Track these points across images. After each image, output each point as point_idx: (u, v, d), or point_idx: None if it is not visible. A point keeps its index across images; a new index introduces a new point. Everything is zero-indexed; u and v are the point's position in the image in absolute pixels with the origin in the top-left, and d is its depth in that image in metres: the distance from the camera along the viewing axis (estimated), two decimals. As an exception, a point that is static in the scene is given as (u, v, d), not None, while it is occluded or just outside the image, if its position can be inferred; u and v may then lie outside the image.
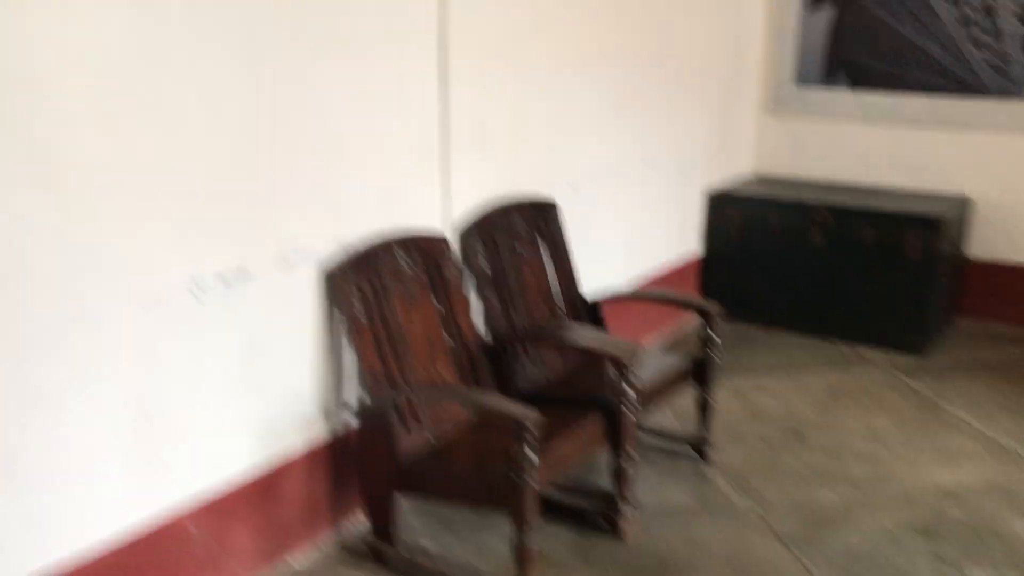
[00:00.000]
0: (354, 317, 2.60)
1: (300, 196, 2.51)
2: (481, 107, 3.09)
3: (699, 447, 3.26)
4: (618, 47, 3.75)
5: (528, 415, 2.31)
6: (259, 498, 2.53)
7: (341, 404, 2.71)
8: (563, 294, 3.33)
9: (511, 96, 3.23)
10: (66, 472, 2.07)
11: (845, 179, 4.77)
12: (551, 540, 2.74)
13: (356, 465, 2.70)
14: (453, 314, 2.87)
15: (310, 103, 2.49)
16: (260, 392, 2.49)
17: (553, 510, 2.85)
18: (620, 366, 2.69)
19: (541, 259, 3.30)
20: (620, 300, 3.47)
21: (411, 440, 2.59)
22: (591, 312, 3.36)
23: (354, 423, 2.69)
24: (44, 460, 2.02)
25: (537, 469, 2.34)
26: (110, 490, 2.17)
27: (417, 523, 2.83)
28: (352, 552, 2.71)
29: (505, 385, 2.95)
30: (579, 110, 3.61)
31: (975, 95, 4.39)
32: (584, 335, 3.11)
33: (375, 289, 2.67)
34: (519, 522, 2.37)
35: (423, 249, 2.83)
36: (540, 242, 3.31)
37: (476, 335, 2.94)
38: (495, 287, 3.08)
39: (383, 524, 2.62)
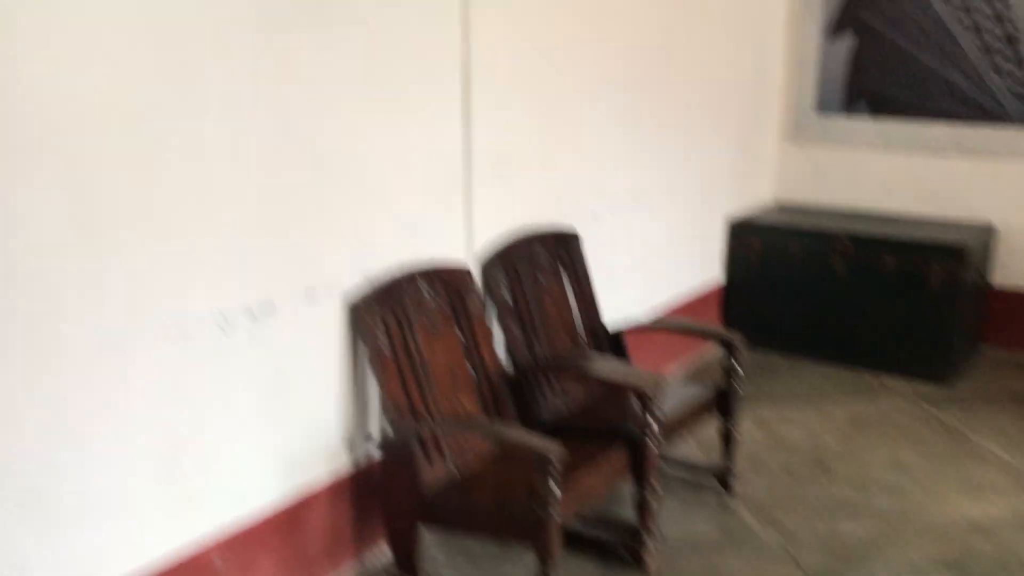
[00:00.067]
0: (378, 349, 2.61)
1: (325, 229, 2.54)
2: (503, 139, 3.11)
3: (723, 478, 3.24)
4: (639, 78, 3.78)
5: (551, 448, 2.31)
6: (283, 529, 2.54)
7: (365, 436, 2.72)
8: (585, 324, 3.34)
9: (533, 128, 3.26)
10: (93, 505, 2.08)
11: (867, 207, 4.76)
12: (574, 573, 2.73)
13: (379, 497, 2.70)
14: (476, 345, 2.88)
15: (335, 137, 2.53)
16: (285, 424, 2.51)
17: (576, 542, 2.84)
18: (644, 398, 2.69)
19: (563, 289, 3.30)
20: (642, 330, 3.46)
21: (434, 472, 2.59)
22: (613, 342, 3.36)
23: (377, 455, 2.69)
24: (72, 494, 2.04)
25: (560, 502, 2.34)
26: (137, 523, 2.18)
27: (440, 555, 2.83)
28: (375, 584, 2.71)
29: (527, 416, 2.95)
30: (601, 140, 3.63)
31: (998, 123, 4.38)
32: (607, 366, 3.11)
33: (399, 321, 2.68)
34: (542, 555, 2.36)
35: (446, 280, 2.85)
36: (562, 272, 3.32)
37: (498, 366, 2.95)
38: (517, 317, 3.08)
39: (406, 556, 2.61)
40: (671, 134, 4.05)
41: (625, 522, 2.97)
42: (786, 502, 3.16)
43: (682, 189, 4.20)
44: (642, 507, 2.75)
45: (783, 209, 4.86)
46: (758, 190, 4.88)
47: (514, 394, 2.95)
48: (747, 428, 3.59)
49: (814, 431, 3.71)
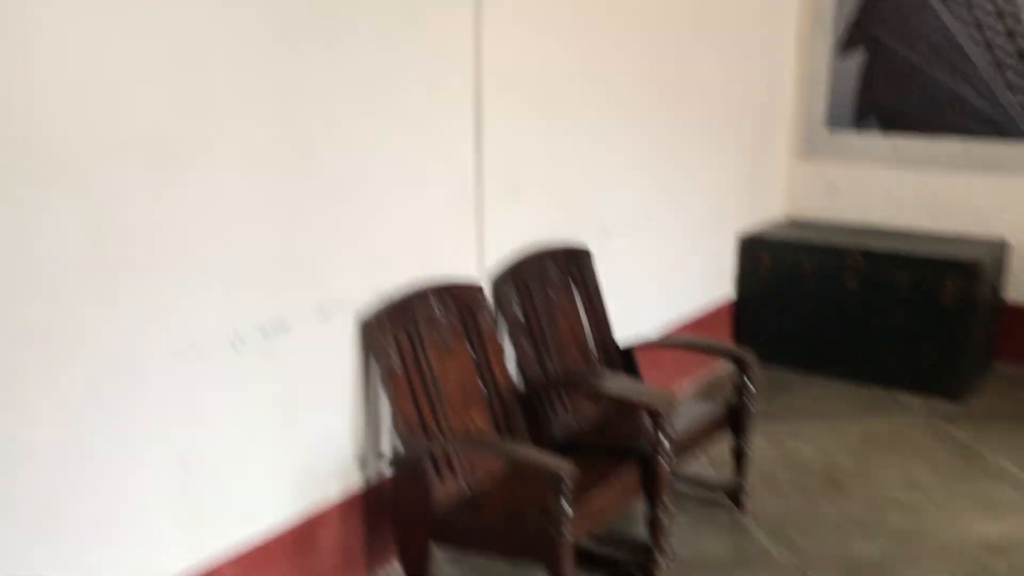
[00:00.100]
0: (390, 366, 2.61)
1: (338, 247, 2.55)
2: (515, 156, 3.12)
3: (735, 496, 3.22)
4: (650, 94, 3.78)
5: (563, 467, 2.30)
6: (296, 547, 2.54)
7: (376, 453, 2.72)
8: (596, 340, 3.33)
9: (544, 145, 3.27)
10: (107, 523, 2.09)
11: (878, 222, 4.75)
12: (586, 591, 2.72)
13: (391, 514, 2.70)
14: (487, 362, 2.88)
15: (348, 156, 2.54)
16: (297, 441, 2.51)
17: (588, 561, 2.83)
18: (655, 416, 2.68)
19: (575, 305, 3.30)
20: (653, 347, 3.46)
21: (445, 489, 2.59)
22: (625, 359, 3.35)
23: (389, 472, 2.69)
24: (86, 511, 2.05)
25: (572, 521, 2.33)
26: (150, 540, 2.19)
27: (452, 573, 2.82)
28: (386, 602, 2.71)
29: (538, 432, 2.95)
30: (612, 156, 3.63)
31: (1010, 138, 4.37)
32: (618, 383, 3.10)
33: (411, 338, 2.69)
34: (554, 574, 2.35)
35: (458, 297, 2.85)
36: (573, 288, 3.32)
37: (510, 382, 2.95)
38: (529, 334, 3.09)
39: (418, 573, 2.61)
40: (682, 150, 4.06)
41: (636, 540, 2.96)
42: (799, 520, 3.14)
43: (693, 205, 4.20)
44: (654, 525, 2.74)
45: (794, 225, 4.85)
46: (769, 206, 4.87)
47: (525, 411, 2.95)
48: (759, 445, 3.58)
49: (827, 448, 3.69)
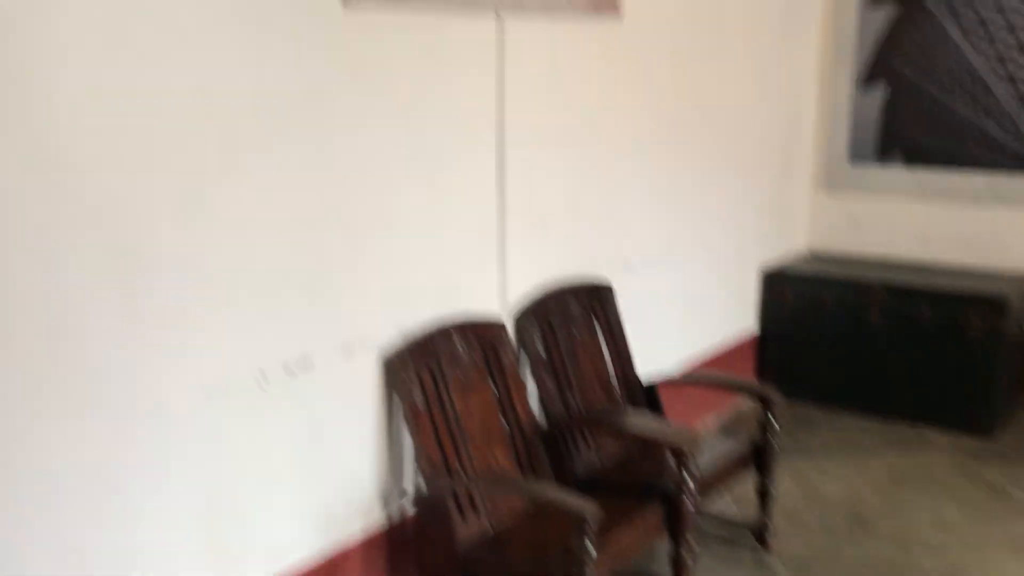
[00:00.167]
0: (413, 404, 2.62)
1: (362, 284, 2.57)
2: (537, 193, 3.14)
3: (759, 534, 3.19)
4: (671, 129, 3.80)
5: (588, 508, 2.29)
6: (317, 586, 2.54)
7: (399, 491, 2.72)
8: (619, 377, 3.33)
9: (566, 182, 3.28)
10: (133, 561, 2.10)
11: (902, 256, 4.72)
12: (609, 632, 2.69)
13: (413, 552, 2.69)
14: (510, 399, 2.88)
15: (372, 194, 2.56)
16: (321, 479, 2.52)
17: (611, 600, 2.81)
18: (679, 454, 2.67)
19: (597, 342, 3.30)
20: (676, 384, 3.45)
21: (468, 528, 2.58)
22: (648, 395, 3.34)
23: (412, 510, 2.69)
24: (113, 549, 2.06)
25: (596, 561, 2.32)
26: (174, 579, 2.20)
27: (473, 612, 2.80)
28: (408, 641, 2.69)
29: (561, 470, 2.94)
30: (633, 192, 3.65)
31: (1035, 172, 4.35)
32: (641, 421, 3.09)
33: (433, 375, 2.70)
34: (578, 615, 2.33)
35: (480, 334, 2.86)
36: (596, 325, 3.32)
37: (532, 420, 2.94)
38: (551, 370, 3.08)
39: (440, 613, 2.60)
40: (703, 184, 4.06)
41: (661, 579, 2.94)
42: (824, 560, 3.10)
43: (715, 239, 4.20)
44: (677, 564, 2.72)
45: (817, 258, 4.83)
46: (792, 240, 4.86)
47: (548, 448, 2.94)
48: (784, 482, 3.54)
49: (852, 485, 3.65)
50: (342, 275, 2.51)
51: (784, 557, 3.12)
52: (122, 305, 2.02)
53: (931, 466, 3.82)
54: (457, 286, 2.87)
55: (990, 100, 4.40)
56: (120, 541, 2.07)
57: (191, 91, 2.10)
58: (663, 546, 2.82)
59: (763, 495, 3.16)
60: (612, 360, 3.32)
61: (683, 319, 4.03)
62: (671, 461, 2.73)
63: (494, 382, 2.86)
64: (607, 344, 3.33)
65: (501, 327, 2.93)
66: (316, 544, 2.52)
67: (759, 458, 3.14)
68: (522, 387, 2.94)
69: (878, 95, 4.69)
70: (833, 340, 4.42)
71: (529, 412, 2.94)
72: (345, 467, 2.58)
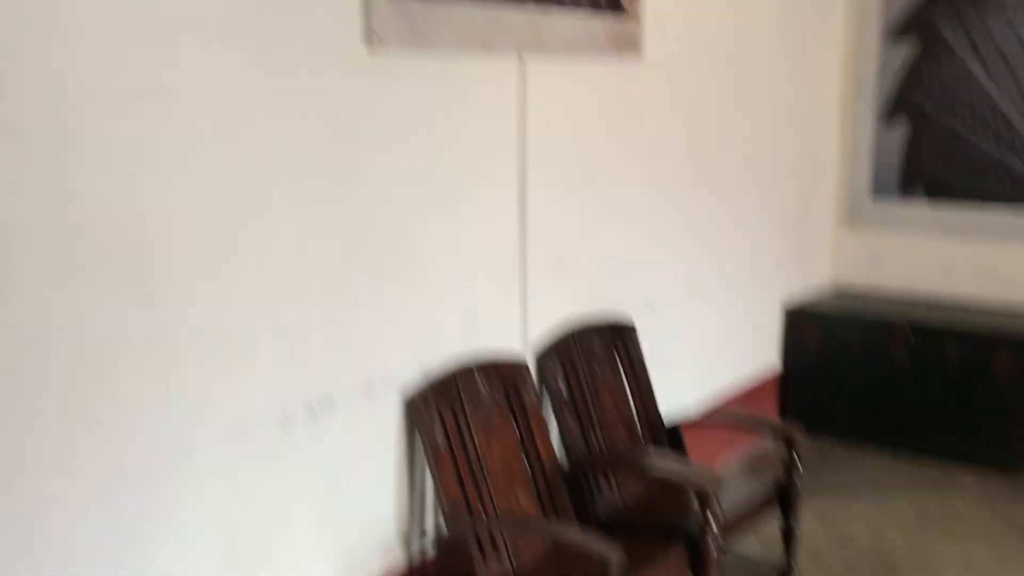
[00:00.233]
0: (435, 444, 2.62)
1: (384, 323, 2.58)
2: (558, 232, 3.15)
3: (784, 575, 3.16)
4: (693, 166, 3.81)
5: (611, 552, 2.28)
6: (338, 628, 2.53)
7: (420, 532, 2.71)
8: (641, 416, 3.31)
9: (587, 220, 3.29)
10: (155, 604, 2.11)
11: (926, 292, 4.69)
12: (633, 677, 2.65)
13: (434, 594, 2.68)
14: (532, 439, 2.87)
15: (394, 233, 2.58)
16: (342, 520, 2.52)
17: (634, 644, 2.77)
18: (703, 496, 2.64)
19: (620, 380, 3.29)
20: (700, 424, 3.43)
21: (489, 570, 2.57)
22: (671, 435, 3.32)
23: (433, 551, 2.68)
24: (135, 592, 2.06)
25: (619, 606, 2.30)
26: (196, 621, 2.20)
27: (495, 654, 2.78)
28: None
29: (583, 511, 2.92)
30: (654, 229, 3.65)
31: (1059, 208, 4.32)
32: (664, 462, 3.07)
33: (455, 416, 2.70)
34: (601, 661, 2.31)
35: (502, 374, 2.86)
36: (618, 363, 3.31)
37: (554, 460, 2.93)
38: (573, 410, 3.07)
39: (461, 656, 2.58)
40: (725, 221, 4.06)
41: (684, 623, 2.89)
42: (851, 603, 3.06)
43: (737, 276, 4.19)
44: (702, 608, 2.69)
45: (840, 295, 4.81)
46: (814, 276, 4.84)
47: (570, 488, 2.93)
48: (807, 521, 3.50)
49: (878, 526, 3.60)
50: (365, 316, 2.53)
51: (809, 600, 3.09)
52: (146, 348, 2.04)
53: (958, 506, 3.76)
54: (479, 325, 2.88)
55: (1012, 135, 4.38)
56: (143, 582, 2.08)
57: (216, 137, 2.13)
58: (686, 589, 2.79)
59: (787, 536, 3.12)
60: (634, 399, 3.31)
61: (706, 357, 4.01)
62: (694, 502, 2.70)
63: (516, 422, 2.86)
64: (629, 383, 3.31)
65: (523, 367, 2.93)
66: (337, 585, 2.52)
67: (783, 498, 3.11)
68: (544, 427, 2.93)
69: (900, 131, 4.68)
70: (857, 378, 4.38)
71: (551, 452, 2.93)
72: (366, 507, 2.58)
